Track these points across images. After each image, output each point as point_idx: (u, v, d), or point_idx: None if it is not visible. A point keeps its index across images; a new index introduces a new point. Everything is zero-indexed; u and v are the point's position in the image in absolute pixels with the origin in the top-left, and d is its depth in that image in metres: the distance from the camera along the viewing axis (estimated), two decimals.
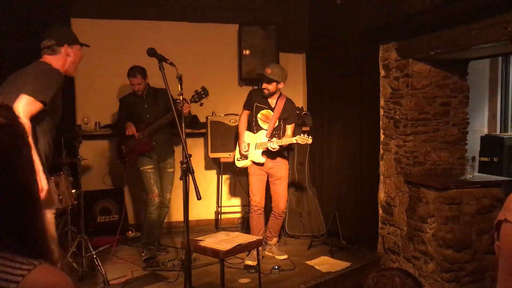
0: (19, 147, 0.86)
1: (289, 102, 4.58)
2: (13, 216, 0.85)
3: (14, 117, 0.89)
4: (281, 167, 4.58)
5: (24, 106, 2.58)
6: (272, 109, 4.52)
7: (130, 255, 4.72)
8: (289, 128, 4.55)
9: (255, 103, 4.57)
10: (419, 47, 3.83)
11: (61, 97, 2.97)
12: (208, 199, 5.77)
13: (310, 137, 4.27)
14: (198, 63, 5.59)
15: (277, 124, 4.54)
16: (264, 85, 4.44)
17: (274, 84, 4.43)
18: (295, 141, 4.32)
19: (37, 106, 2.65)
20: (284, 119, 4.55)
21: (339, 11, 5.02)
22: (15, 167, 0.85)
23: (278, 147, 4.37)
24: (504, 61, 5.39)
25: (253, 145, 4.52)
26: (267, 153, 4.49)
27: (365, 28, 4.45)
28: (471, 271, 3.59)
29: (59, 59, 2.98)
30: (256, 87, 4.77)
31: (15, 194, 0.85)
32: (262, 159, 4.48)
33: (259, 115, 4.56)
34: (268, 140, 4.44)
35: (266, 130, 4.52)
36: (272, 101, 4.53)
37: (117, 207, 5.38)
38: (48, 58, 2.97)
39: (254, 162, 4.52)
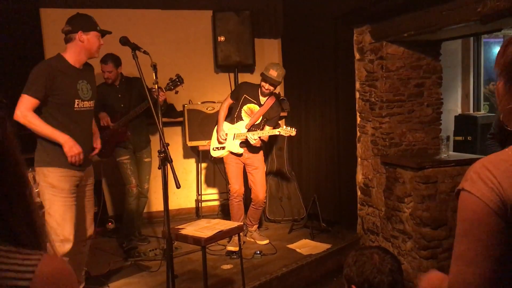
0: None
1: (277, 103, 4.57)
2: (7, 200, 0.83)
3: None
4: (257, 156, 4.59)
5: (19, 103, 2.92)
6: (260, 105, 4.51)
7: (111, 247, 4.69)
8: (266, 129, 4.51)
9: (244, 95, 4.52)
10: (392, 30, 3.87)
11: (66, 79, 3.05)
12: (188, 187, 5.76)
13: (293, 128, 4.28)
14: (173, 51, 5.53)
15: (258, 121, 4.53)
16: (267, 87, 4.38)
17: (278, 86, 4.45)
18: (278, 133, 4.32)
19: (29, 100, 2.92)
20: (267, 118, 4.54)
21: None
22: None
23: (258, 139, 4.37)
24: (475, 42, 5.48)
25: (231, 135, 4.51)
26: (245, 144, 4.49)
27: (339, 11, 4.47)
28: (448, 248, 3.69)
29: (73, 46, 3.07)
30: (250, 82, 4.72)
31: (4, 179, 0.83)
32: (240, 150, 4.48)
33: (245, 107, 4.52)
34: (248, 131, 4.43)
35: (247, 123, 4.51)
36: (262, 98, 4.52)
37: (95, 199, 5.31)
38: (67, 46, 3.10)
39: (231, 153, 4.52)
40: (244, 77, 5.39)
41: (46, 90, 2.96)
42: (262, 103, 4.49)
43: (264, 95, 4.47)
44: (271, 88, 4.39)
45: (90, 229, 3.34)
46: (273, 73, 4.32)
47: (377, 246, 2.93)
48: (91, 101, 3.23)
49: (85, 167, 3.20)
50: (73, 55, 3.09)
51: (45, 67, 3.02)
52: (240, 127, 4.50)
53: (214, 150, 4.59)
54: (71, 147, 2.97)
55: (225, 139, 4.52)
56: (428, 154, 4.16)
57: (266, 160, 5.24)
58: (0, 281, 0.78)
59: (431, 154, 4.13)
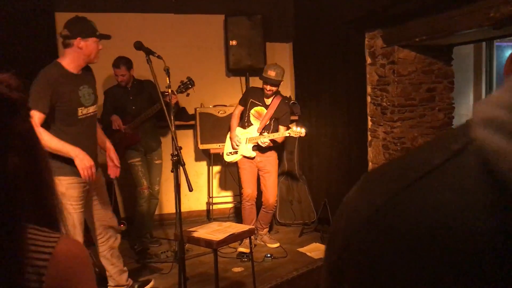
0: (15, 101, 0.85)
1: (283, 102, 4.60)
2: (30, 185, 0.86)
3: (8, 86, 0.87)
4: (270, 160, 4.62)
5: None
6: (267, 107, 4.54)
7: (123, 248, 4.71)
8: (281, 129, 4.55)
9: (251, 99, 4.60)
10: (404, 34, 3.87)
11: (67, 88, 3.00)
12: (199, 190, 5.79)
13: (303, 129, 4.30)
14: (185, 54, 5.58)
15: (268, 122, 4.56)
16: (269, 88, 4.43)
17: (279, 85, 4.50)
18: (287, 135, 4.36)
19: (35, 115, 2.80)
20: (276, 118, 4.57)
21: None
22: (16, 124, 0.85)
23: (269, 142, 4.40)
24: (488, 46, 5.45)
25: (244, 140, 4.55)
26: (257, 147, 4.52)
27: (350, 16, 4.47)
28: None
29: (71, 52, 3.01)
30: (255, 86, 4.79)
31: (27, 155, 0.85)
32: (253, 154, 4.52)
33: (252, 111, 4.58)
34: (260, 135, 4.48)
35: (258, 126, 4.55)
36: (267, 99, 4.55)
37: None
38: (64, 51, 3.05)
39: (244, 156, 4.56)
40: (255, 81, 5.42)
41: (51, 103, 2.92)
42: (268, 104, 4.54)
43: (267, 96, 4.52)
44: (273, 88, 4.44)
45: (114, 224, 3.38)
46: (272, 73, 4.39)
47: None
48: (94, 105, 3.21)
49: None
50: (71, 62, 3.03)
51: (46, 79, 2.94)
52: (252, 131, 4.53)
53: (228, 155, 4.64)
54: (82, 160, 2.92)
55: (238, 145, 4.57)
56: None
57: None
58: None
59: None
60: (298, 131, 4.29)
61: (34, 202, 0.88)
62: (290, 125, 4.77)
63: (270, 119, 4.55)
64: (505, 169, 0.38)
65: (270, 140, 4.43)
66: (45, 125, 2.97)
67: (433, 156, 0.45)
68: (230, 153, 4.62)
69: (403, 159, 0.49)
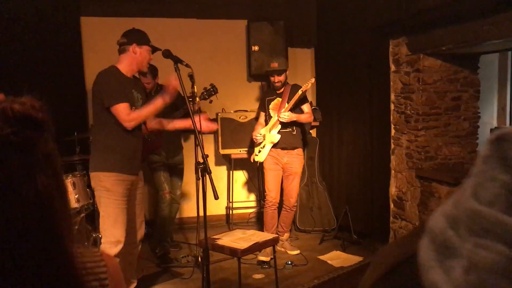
0: (34, 139, 0.82)
1: (295, 86, 4.64)
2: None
3: (35, 108, 0.84)
4: (296, 162, 4.61)
5: (118, 116, 3.08)
6: (280, 96, 4.59)
7: (144, 252, 4.75)
8: (306, 107, 4.60)
9: (266, 98, 4.68)
10: (430, 43, 3.83)
11: (124, 87, 3.19)
12: (219, 195, 5.76)
13: (311, 79, 4.46)
14: (207, 59, 5.60)
15: (287, 108, 4.54)
16: (277, 79, 4.54)
17: (284, 73, 4.57)
18: (300, 92, 4.38)
19: (121, 106, 3.09)
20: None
21: (347, 5, 5.01)
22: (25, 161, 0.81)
23: (288, 113, 4.42)
24: None
25: (268, 132, 4.60)
26: (284, 144, 4.53)
27: (374, 22, 4.45)
28: None
29: (126, 57, 3.25)
30: (265, 87, 4.87)
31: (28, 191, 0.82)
32: (277, 137, 4.51)
33: (270, 106, 4.66)
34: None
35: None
36: (279, 91, 4.63)
37: None
38: (120, 57, 3.28)
39: (272, 144, 4.54)
40: None
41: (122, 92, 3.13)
42: (280, 92, 4.62)
43: (278, 89, 4.60)
44: (280, 78, 4.55)
45: (141, 232, 3.44)
46: (275, 65, 4.54)
47: None
48: None
49: (137, 171, 3.34)
50: (125, 66, 3.24)
51: (111, 75, 3.17)
52: (273, 120, 4.56)
53: (257, 155, 4.64)
54: (166, 92, 3.18)
55: (263, 139, 4.60)
56: (465, 168, 4.10)
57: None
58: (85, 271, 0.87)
59: (467, 169, 4.04)
60: (308, 81, 4.39)
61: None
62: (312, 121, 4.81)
63: (288, 104, 4.54)
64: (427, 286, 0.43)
65: (293, 112, 4.45)
66: (100, 120, 3.17)
67: (404, 252, 0.53)
68: (259, 151, 4.63)
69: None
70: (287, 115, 4.42)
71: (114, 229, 3.11)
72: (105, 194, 3.11)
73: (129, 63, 3.25)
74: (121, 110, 3.08)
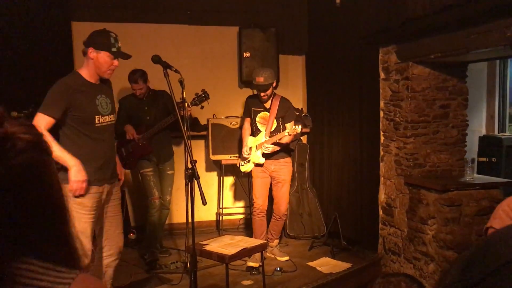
0: (46, 161, 0.89)
1: (283, 100, 4.61)
2: (47, 226, 0.87)
3: (39, 134, 0.91)
4: (284, 170, 4.61)
5: (33, 122, 2.82)
6: (268, 110, 4.56)
7: (132, 258, 4.75)
8: (289, 126, 4.47)
9: (252, 108, 4.62)
10: (419, 51, 3.87)
11: (84, 96, 3.04)
12: (209, 201, 5.71)
13: (299, 126, 4.29)
14: (199, 65, 5.61)
15: (275, 124, 4.56)
16: (262, 94, 4.45)
17: (271, 87, 4.48)
18: (286, 134, 4.32)
19: (44, 118, 2.89)
20: (281, 117, 4.57)
21: (339, 13, 5.05)
22: (45, 181, 0.88)
23: (272, 147, 4.40)
24: (501, 62, 5.43)
25: (254, 147, 4.57)
26: (271, 154, 4.51)
27: (364, 31, 4.49)
28: None
29: (85, 60, 3.08)
30: (252, 94, 4.84)
31: (47, 205, 0.87)
32: (261, 160, 4.50)
33: (257, 119, 4.61)
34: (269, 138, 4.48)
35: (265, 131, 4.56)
36: (266, 103, 4.57)
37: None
38: (83, 60, 3.12)
39: (257, 165, 4.56)
40: None
41: (65, 109, 2.95)
42: (268, 107, 4.57)
43: (264, 101, 4.53)
44: (267, 92, 4.45)
45: (120, 244, 3.32)
46: (260, 80, 4.40)
47: (404, 273, 2.90)
48: (111, 115, 3.23)
49: (111, 181, 3.21)
50: (87, 70, 3.08)
51: (63, 86, 2.99)
52: (261, 138, 4.55)
53: (242, 165, 4.64)
54: (77, 172, 2.89)
55: (249, 154, 4.57)
56: (453, 176, 4.13)
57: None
58: None
59: (455, 176, 4.10)
60: (294, 128, 4.28)
61: (46, 235, 0.88)
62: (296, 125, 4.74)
63: (277, 120, 4.55)
64: None
65: (276, 144, 4.42)
66: (63, 132, 3.03)
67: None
68: (244, 162, 4.63)
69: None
70: (270, 148, 4.41)
71: (82, 243, 3.02)
72: (74, 207, 2.95)
73: (89, 67, 3.06)
74: (40, 119, 2.88)
